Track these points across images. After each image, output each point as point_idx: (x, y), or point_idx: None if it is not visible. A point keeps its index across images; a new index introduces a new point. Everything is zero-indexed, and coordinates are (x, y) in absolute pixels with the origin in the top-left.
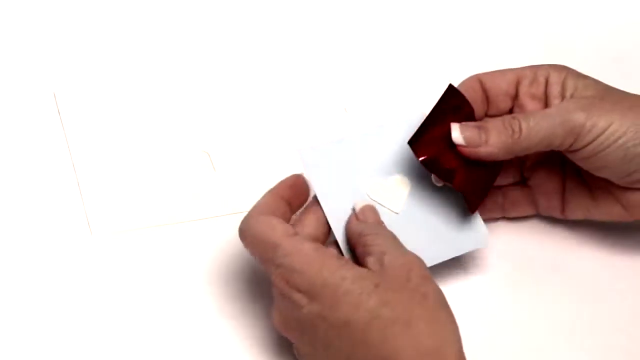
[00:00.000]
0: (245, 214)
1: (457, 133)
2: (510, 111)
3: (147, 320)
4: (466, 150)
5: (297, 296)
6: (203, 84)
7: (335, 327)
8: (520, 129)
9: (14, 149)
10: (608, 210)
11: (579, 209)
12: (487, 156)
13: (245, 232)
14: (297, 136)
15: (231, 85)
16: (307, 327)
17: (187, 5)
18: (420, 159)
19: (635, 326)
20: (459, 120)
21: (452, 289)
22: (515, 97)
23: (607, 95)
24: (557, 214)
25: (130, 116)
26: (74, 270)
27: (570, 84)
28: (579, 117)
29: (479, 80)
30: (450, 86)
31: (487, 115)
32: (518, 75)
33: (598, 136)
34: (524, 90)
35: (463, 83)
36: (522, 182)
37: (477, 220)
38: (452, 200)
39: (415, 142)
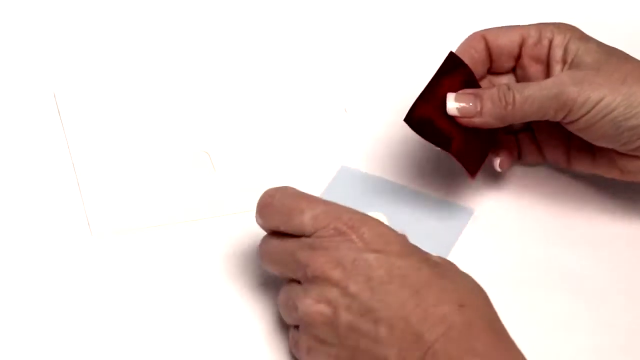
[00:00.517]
0: (245, 214)
1: (452, 103)
2: (513, 69)
3: (148, 321)
4: (461, 120)
5: (357, 240)
6: (203, 84)
7: (401, 271)
8: (514, 101)
9: (14, 149)
10: (607, 171)
11: (582, 164)
12: (481, 125)
13: (278, 189)
14: (297, 136)
15: (231, 85)
16: (363, 267)
17: (187, 5)
18: (415, 122)
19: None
20: (456, 86)
21: None
22: (519, 56)
23: (604, 65)
24: (563, 165)
25: (130, 116)
26: (74, 270)
27: (573, 48)
28: (571, 92)
29: (484, 37)
30: (451, 54)
31: (489, 71)
32: (523, 35)
33: (589, 111)
34: (527, 51)
35: (467, 41)
36: (531, 132)
37: (450, 206)
38: (429, 205)
39: (411, 114)
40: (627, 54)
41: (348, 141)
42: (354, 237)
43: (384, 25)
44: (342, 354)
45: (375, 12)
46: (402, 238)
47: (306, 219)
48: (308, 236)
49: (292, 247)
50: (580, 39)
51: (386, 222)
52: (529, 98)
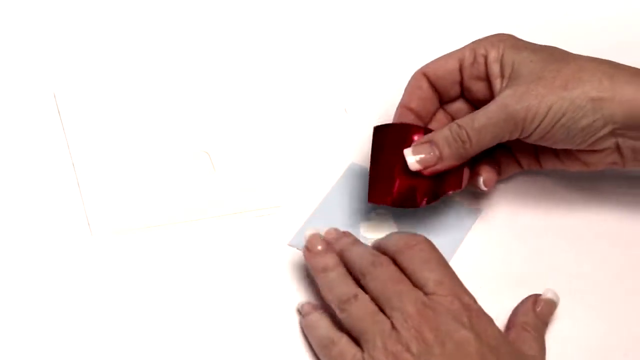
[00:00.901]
0: (245, 214)
1: (411, 158)
2: (462, 94)
3: (147, 321)
4: (425, 172)
5: (466, 320)
6: (203, 84)
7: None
8: (469, 138)
9: (14, 149)
10: (571, 165)
11: (550, 164)
12: (445, 169)
13: (427, 240)
14: (297, 136)
15: (231, 85)
16: (457, 339)
17: (187, 5)
18: (392, 205)
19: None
20: (402, 146)
21: None
22: (462, 81)
23: (543, 73)
24: (536, 168)
25: (130, 116)
26: (74, 270)
27: (508, 61)
28: (518, 111)
29: (424, 74)
30: (375, 128)
31: (441, 103)
32: (460, 59)
33: (540, 123)
34: (467, 73)
35: (410, 83)
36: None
37: (459, 207)
38: (437, 205)
39: (374, 194)
40: (564, 52)
41: (349, 141)
42: (465, 317)
43: (384, 25)
44: None
45: (375, 13)
46: (509, 345)
47: (432, 279)
48: (424, 293)
49: (405, 288)
50: (514, 49)
51: (389, 214)
52: (481, 130)
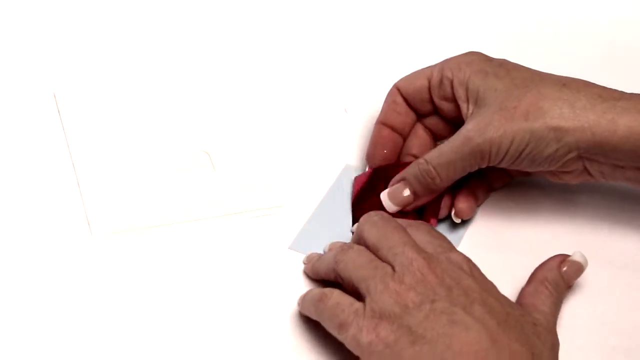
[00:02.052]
0: (245, 214)
1: (388, 202)
2: (436, 111)
3: (147, 321)
4: (405, 209)
5: (467, 268)
6: (203, 84)
7: (490, 304)
8: (438, 174)
9: (14, 149)
10: (551, 178)
11: (535, 173)
12: (424, 203)
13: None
14: (297, 136)
15: (231, 85)
16: (465, 286)
17: (187, 5)
18: None
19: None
20: (380, 187)
21: None
22: (432, 99)
23: (505, 102)
24: (525, 175)
25: (130, 116)
26: (74, 270)
27: (473, 87)
28: (482, 146)
29: (398, 89)
30: (355, 178)
31: (418, 115)
32: (428, 78)
33: (505, 154)
34: (435, 93)
35: (387, 98)
36: None
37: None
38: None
39: None
40: (528, 75)
41: (349, 141)
42: (467, 268)
43: (384, 25)
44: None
45: (375, 13)
46: (511, 301)
47: (433, 243)
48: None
49: (408, 239)
50: (480, 74)
51: None
52: (448, 165)
